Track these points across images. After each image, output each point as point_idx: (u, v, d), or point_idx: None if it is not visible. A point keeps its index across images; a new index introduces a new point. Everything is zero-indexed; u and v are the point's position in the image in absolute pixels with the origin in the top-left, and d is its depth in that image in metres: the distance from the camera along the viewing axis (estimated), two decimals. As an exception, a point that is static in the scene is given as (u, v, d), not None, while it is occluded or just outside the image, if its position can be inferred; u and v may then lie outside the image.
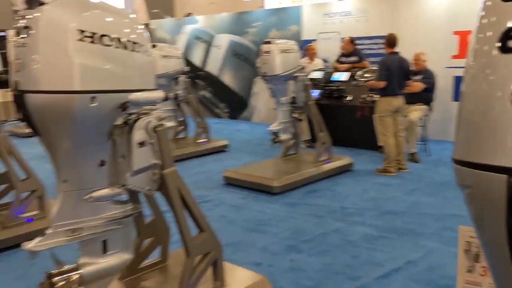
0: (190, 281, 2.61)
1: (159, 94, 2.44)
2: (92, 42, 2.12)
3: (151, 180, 2.51)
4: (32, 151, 4.10)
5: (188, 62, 11.52)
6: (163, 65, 6.96)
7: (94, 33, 2.13)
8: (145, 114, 2.45)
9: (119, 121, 2.36)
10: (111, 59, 2.20)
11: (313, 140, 6.73)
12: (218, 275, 2.81)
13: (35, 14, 2.05)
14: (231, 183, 5.53)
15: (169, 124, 7.52)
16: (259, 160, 6.59)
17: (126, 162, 2.43)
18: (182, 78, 7.28)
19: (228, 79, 11.12)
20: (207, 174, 6.15)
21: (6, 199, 4.38)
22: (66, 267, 2.35)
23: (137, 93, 2.31)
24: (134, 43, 2.30)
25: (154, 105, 2.51)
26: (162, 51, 6.98)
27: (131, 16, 2.43)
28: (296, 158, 6.11)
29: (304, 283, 3.18)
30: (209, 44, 11.35)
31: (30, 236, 3.86)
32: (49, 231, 2.29)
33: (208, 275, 2.81)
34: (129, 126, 2.40)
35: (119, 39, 2.22)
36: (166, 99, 2.53)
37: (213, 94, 11.50)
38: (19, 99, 2.06)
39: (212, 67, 11.33)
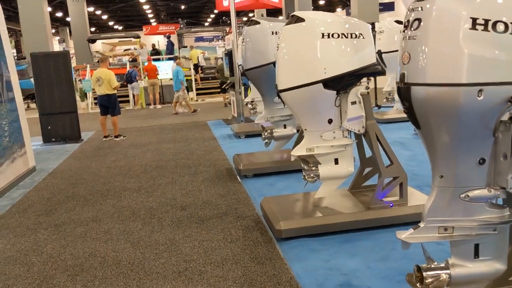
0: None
1: (561, 85, 2.04)
2: (484, 29, 1.95)
3: (540, 186, 2.16)
4: (391, 136, 4.29)
5: None
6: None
7: (487, 20, 1.95)
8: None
9: (506, 116, 2.12)
10: (502, 48, 1.98)
11: None
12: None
13: (427, 6, 2.03)
14: None
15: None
16: None
17: (508, 162, 2.17)
18: None
19: None
20: None
21: (369, 182, 4.74)
22: (435, 264, 2.31)
23: (531, 85, 2.01)
24: (533, 26, 2.00)
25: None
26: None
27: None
28: None
29: None
30: None
31: (390, 221, 4.13)
32: (421, 225, 2.28)
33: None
34: (517, 122, 2.12)
35: (514, 24, 1.97)
36: None
37: None
38: (405, 91, 2.10)
39: None
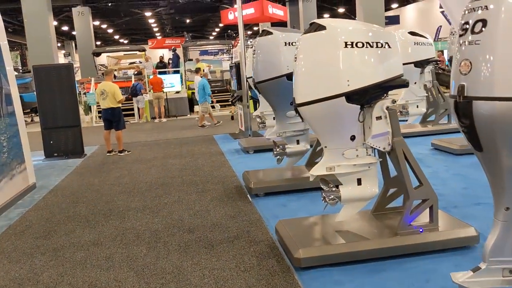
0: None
1: None
2: None
3: None
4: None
5: None
6: None
7: None
8: None
9: None
10: None
11: None
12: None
13: (491, 6, 1.69)
14: None
15: None
16: None
17: None
18: None
19: None
20: None
21: (394, 203, 4.37)
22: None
23: None
24: None
25: None
26: None
27: None
28: None
29: None
30: None
31: (420, 248, 3.74)
32: (482, 266, 1.91)
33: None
34: None
35: None
36: None
37: None
38: (465, 107, 1.75)
39: None
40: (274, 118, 9.30)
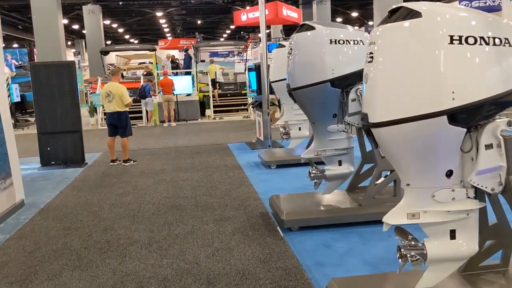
0: None
1: None
2: None
3: None
4: None
5: None
6: None
7: None
8: None
9: None
10: None
11: None
12: None
13: None
14: None
15: None
16: None
17: None
18: None
19: None
20: None
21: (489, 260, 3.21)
22: None
23: None
24: None
25: None
26: None
27: None
28: None
29: None
30: None
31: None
32: None
33: None
34: None
35: None
36: None
37: None
38: None
39: None
40: (300, 129, 8.26)
